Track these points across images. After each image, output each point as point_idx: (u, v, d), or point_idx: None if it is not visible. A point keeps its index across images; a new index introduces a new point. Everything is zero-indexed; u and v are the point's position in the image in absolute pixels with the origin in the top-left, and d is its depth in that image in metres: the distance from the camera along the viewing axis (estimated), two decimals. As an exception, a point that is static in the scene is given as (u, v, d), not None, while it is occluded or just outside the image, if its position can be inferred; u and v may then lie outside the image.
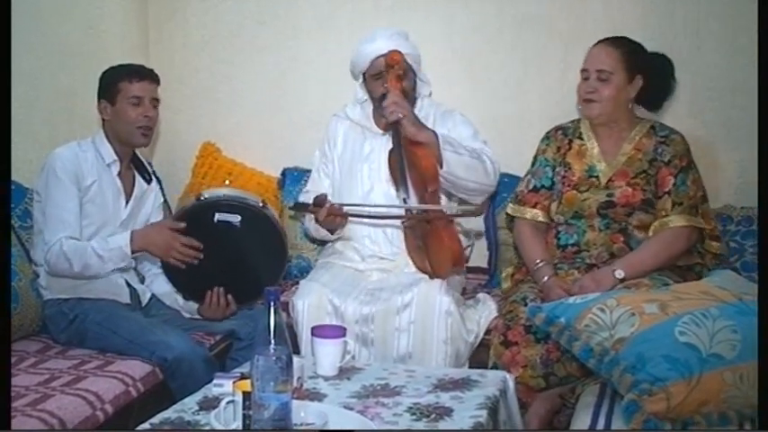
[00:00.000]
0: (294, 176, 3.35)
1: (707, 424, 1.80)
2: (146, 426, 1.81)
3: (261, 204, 2.57)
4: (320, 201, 2.66)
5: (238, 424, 1.74)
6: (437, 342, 2.54)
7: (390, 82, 2.64)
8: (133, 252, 2.50)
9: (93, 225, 2.55)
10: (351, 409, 1.89)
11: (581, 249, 2.61)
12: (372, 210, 2.80)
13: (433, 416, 1.87)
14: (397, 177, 2.67)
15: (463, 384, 2.08)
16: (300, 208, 2.84)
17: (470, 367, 2.57)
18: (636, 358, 1.84)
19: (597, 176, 2.61)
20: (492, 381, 2.11)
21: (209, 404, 1.91)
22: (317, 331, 2.19)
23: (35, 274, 2.59)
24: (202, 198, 2.56)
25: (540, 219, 2.68)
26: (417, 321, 2.56)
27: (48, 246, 2.45)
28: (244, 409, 1.72)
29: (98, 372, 2.28)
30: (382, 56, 2.74)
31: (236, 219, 2.52)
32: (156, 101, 2.63)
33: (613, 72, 2.55)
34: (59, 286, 2.54)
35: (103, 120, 2.62)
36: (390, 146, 2.75)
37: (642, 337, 1.86)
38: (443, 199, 2.75)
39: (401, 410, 1.90)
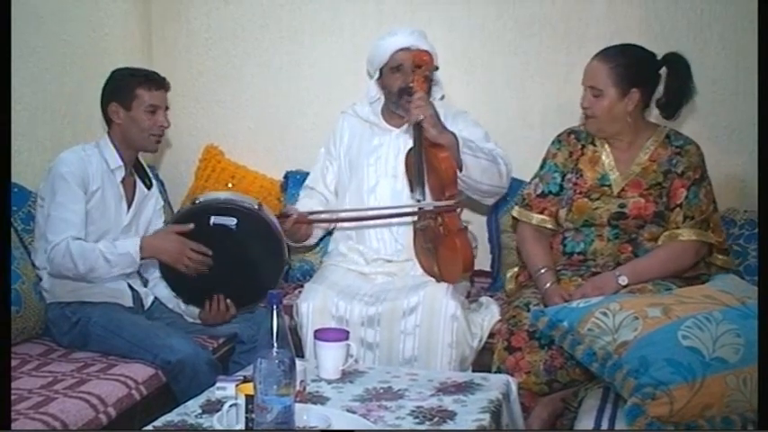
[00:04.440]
0: (297, 179, 3.34)
1: (710, 428, 1.79)
2: (149, 428, 1.81)
3: (257, 207, 2.56)
4: (284, 213, 2.74)
5: (241, 427, 1.74)
6: (442, 346, 2.54)
7: (416, 82, 2.63)
8: (142, 259, 2.50)
9: (96, 231, 2.55)
10: (353, 412, 1.89)
11: (587, 258, 2.58)
12: (354, 213, 2.84)
13: (435, 419, 1.87)
14: (413, 178, 2.67)
15: (466, 388, 2.08)
16: None
17: (473, 371, 2.57)
18: (639, 362, 1.84)
19: (609, 185, 2.56)
20: (495, 384, 2.11)
21: (212, 407, 1.91)
22: (320, 334, 2.19)
23: (38, 278, 2.59)
24: (198, 202, 2.56)
25: (548, 225, 2.65)
26: (423, 325, 2.56)
27: (51, 245, 2.43)
28: (246, 412, 1.72)
29: (101, 375, 2.28)
30: (402, 49, 2.76)
31: (231, 222, 2.52)
32: (167, 108, 2.64)
33: (603, 89, 2.48)
34: (62, 289, 2.54)
35: (111, 122, 2.61)
36: (400, 142, 2.78)
37: (645, 341, 1.86)
38: None
39: (404, 414, 1.90)
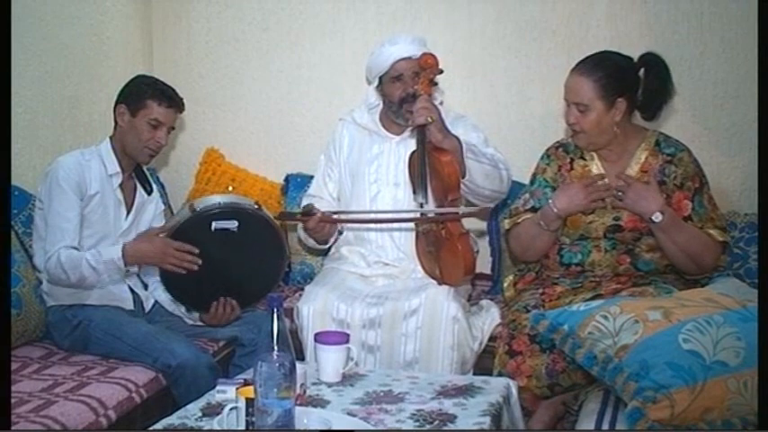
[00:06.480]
0: (297, 182, 3.34)
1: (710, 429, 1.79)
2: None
3: (256, 207, 2.57)
4: (308, 210, 2.67)
5: (242, 429, 1.74)
6: (443, 348, 2.54)
7: (422, 85, 2.62)
8: (126, 264, 2.50)
9: (94, 236, 2.55)
10: (354, 415, 1.89)
11: (585, 269, 2.55)
12: (373, 215, 2.81)
13: (436, 422, 1.87)
14: (416, 181, 2.66)
15: (466, 391, 2.08)
16: (287, 217, 2.85)
17: (474, 374, 2.57)
18: (639, 365, 1.84)
19: (602, 199, 2.49)
20: (495, 387, 2.11)
21: (212, 410, 1.91)
22: (321, 337, 2.19)
23: (38, 281, 2.59)
24: (197, 210, 2.53)
25: None
26: (424, 327, 2.56)
27: (47, 256, 2.45)
28: (247, 415, 1.73)
29: (101, 378, 2.28)
30: (403, 59, 2.75)
31: (233, 224, 2.52)
32: (172, 128, 2.63)
33: (589, 104, 2.42)
34: (62, 292, 2.54)
35: (116, 124, 2.61)
36: (401, 150, 2.78)
37: (646, 345, 1.86)
38: None
39: (404, 417, 1.90)
